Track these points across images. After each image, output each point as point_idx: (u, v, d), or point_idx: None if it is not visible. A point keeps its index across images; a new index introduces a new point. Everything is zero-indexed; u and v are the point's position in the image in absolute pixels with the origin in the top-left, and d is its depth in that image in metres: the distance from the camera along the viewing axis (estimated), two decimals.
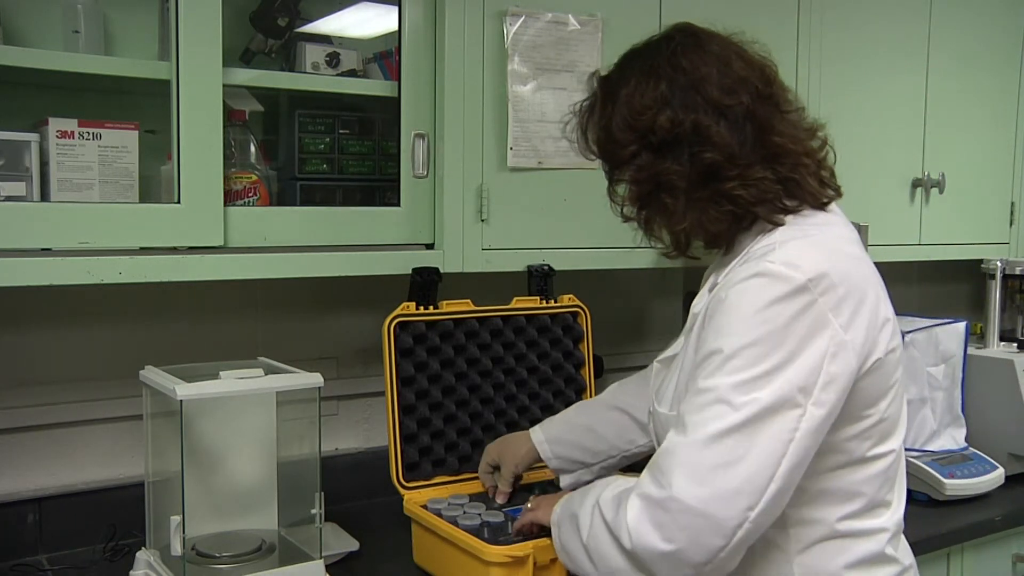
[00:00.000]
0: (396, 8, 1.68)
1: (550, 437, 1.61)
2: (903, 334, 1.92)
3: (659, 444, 1.34)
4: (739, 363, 1.12)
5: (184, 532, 1.36)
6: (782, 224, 1.24)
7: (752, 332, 1.13)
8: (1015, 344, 2.28)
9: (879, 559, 1.25)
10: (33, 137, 1.42)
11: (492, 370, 1.77)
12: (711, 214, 1.26)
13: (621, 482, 1.24)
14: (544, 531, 1.39)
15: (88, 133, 1.45)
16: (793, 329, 1.12)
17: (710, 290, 1.30)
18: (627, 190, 1.33)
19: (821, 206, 1.28)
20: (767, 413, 1.11)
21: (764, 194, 1.24)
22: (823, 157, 1.31)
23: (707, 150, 1.23)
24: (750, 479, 1.10)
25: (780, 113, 1.28)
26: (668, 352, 1.40)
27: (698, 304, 1.32)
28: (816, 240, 1.21)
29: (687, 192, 1.26)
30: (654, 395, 1.36)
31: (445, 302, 1.71)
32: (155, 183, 1.58)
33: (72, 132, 1.44)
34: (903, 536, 1.32)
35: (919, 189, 2.35)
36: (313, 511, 1.45)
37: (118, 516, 1.67)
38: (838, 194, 1.32)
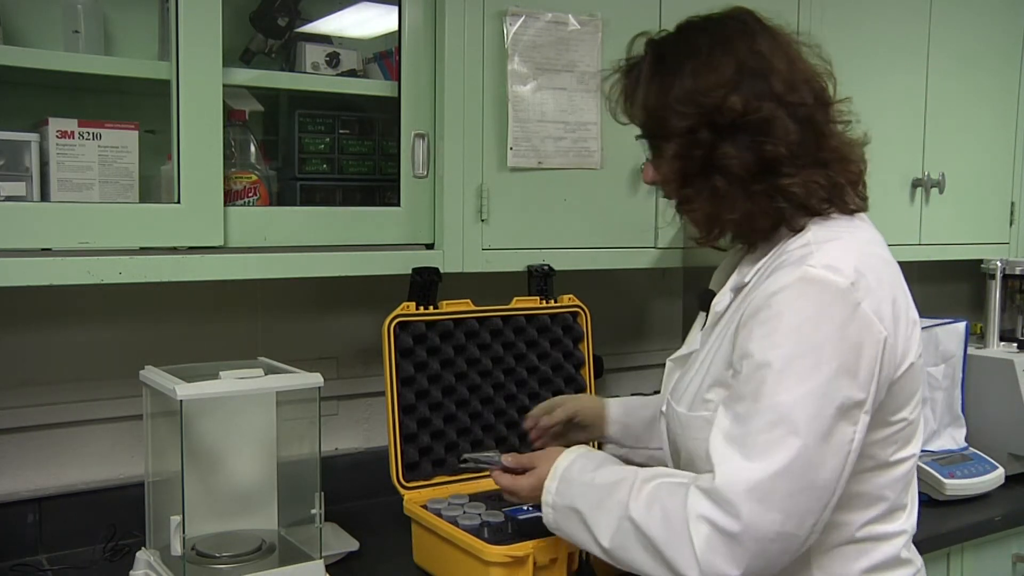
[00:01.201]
0: (396, 8, 1.68)
1: (624, 404, 1.58)
2: None
3: (670, 442, 1.33)
4: (794, 377, 1.10)
5: (184, 532, 1.36)
6: (804, 228, 1.23)
7: (803, 343, 1.11)
8: (1015, 344, 2.28)
9: (896, 562, 1.26)
10: (33, 137, 1.42)
11: (492, 370, 1.77)
12: (763, 207, 1.23)
13: (646, 490, 1.19)
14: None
15: (88, 133, 1.45)
16: (844, 336, 1.12)
17: (734, 288, 1.28)
18: (671, 164, 1.27)
19: (850, 213, 1.27)
20: (830, 429, 1.10)
21: (814, 195, 1.23)
22: (863, 169, 1.30)
23: (770, 142, 1.20)
24: (819, 498, 1.11)
25: (832, 121, 1.27)
26: (682, 351, 1.39)
27: (721, 302, 1.30)
28: (848, 242, 1.20)
29: (744, 182, 1.22)
30: (669, 394, 1.35)
31: (445, 302, 1.71)
32: (155, 183, 1.58)
33: (72, 132, 1.44)
34: None
35: (919, 189, 2.35)
36: (313, 511, 1.45)
37: (118, 516, 1.67)
38: (866, 207, 1.31)
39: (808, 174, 1.22)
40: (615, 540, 1.20)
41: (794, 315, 1.13)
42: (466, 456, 1.51)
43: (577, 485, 1.28)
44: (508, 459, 1.44)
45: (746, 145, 1.21)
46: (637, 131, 1.35)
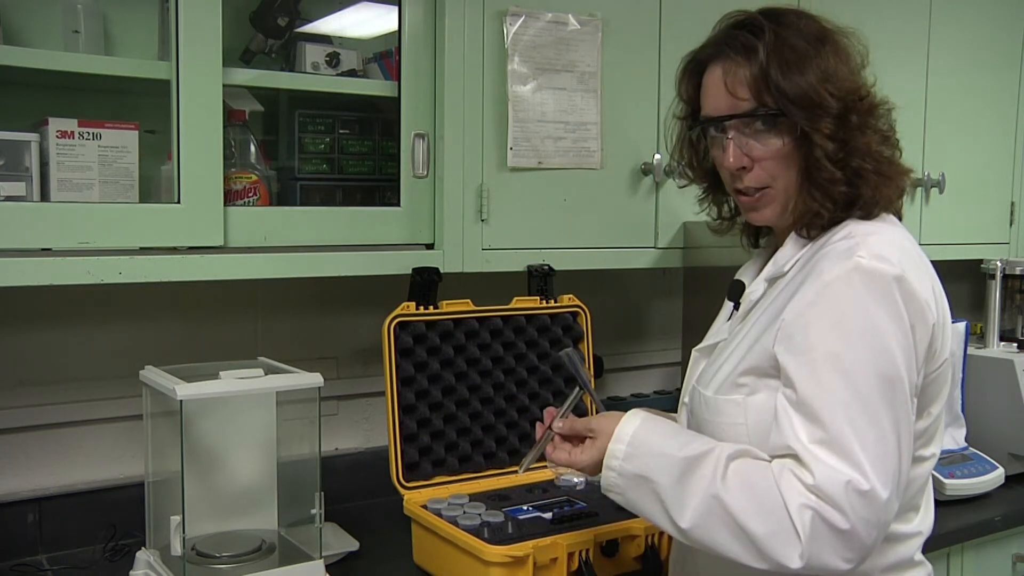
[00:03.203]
0: (396, 8, 1.68)
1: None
2: None
3: (690, 427, 1.31)
4: (865, 366, 1.11)
5: (184, 532, 1.36)
6: (844, 221, 1.25)
7: (867, 332, 1.12)
8: (1015, 344, 2.28)
9: (909, 564, 1.27)
10: (33, 137, 1.42)
11: (492, 370, 1.77)
12: (888, 194, 1.25)
13: (733, 468, 1.14)
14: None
15: (88, 133, 1.45)
16: (902, 322, 1.13)
17: (769, 278, 1.28)
18: (813, 144, 1.21)
19: (894, 213, 1.30)
20: (903, 414, 1.13)
21: (903, 188, 1.28)
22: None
23: (886, 132, 1.26)
24: (901, 484, 1.13)
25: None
26: (708, 341, 1.38)
27: (755, 292, 1.30)
28: (888, 236, 1.21)
29: (883, 166, 1.24)
30: (695, 381, 1.33)
31: (445, 302, 1.71)
32: (155, 183, 1.58)
33: (72, 132, 1.44)
34: None
35: (919, 189, 2.35)
36: (313, 511, 1.45)
37: (118, 516, 1.67)
38: (901, 215, 1.33)
39: (900, 165, 1.28)
40: (696, 519, 1.14)
41: (851, 306, 1.13)
42: (565, 352, 1.37)
43: (653, 455, 1.20)
44: (561, 425, 1.31)
45: (879, 132, 1.25)
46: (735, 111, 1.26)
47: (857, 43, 1.27)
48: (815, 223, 1.25)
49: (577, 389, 1.36)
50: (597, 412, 1.39)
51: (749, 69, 1.22)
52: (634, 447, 1.22)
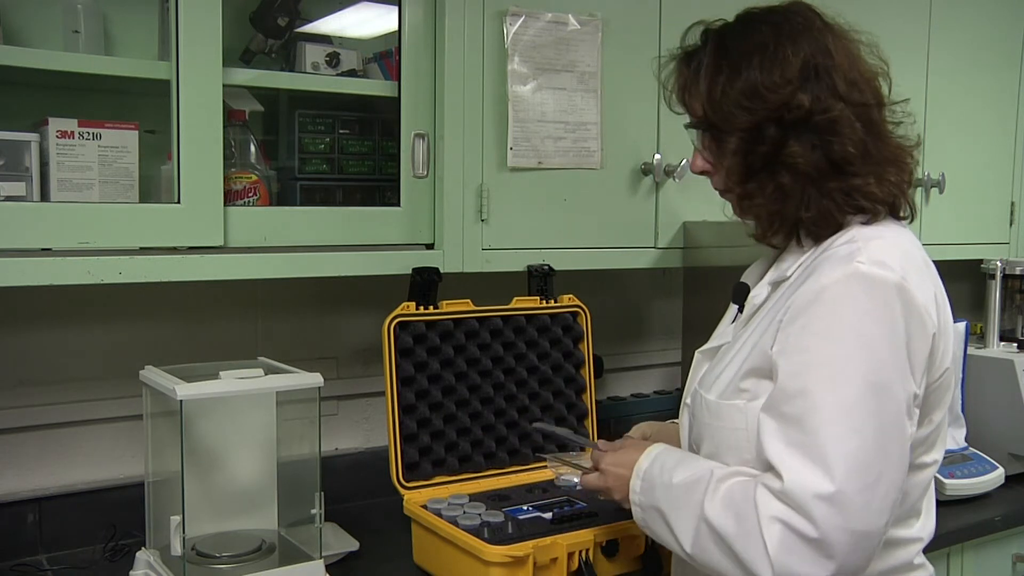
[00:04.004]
0: (396, 8, 1.68)
1: None
2: None
3: (692, 434, 1.32)
4: (852, 372, 1.10)
5: (184, 532, 1.36)
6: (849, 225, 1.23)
7: (859, 338, 1.11)
8: (1015, 344, 2.28)
9: (909, 567, 1.28)
10: (33, 137, 1.42)
11: (492, 370, 1.77)
12: (841, 205, 1.22)
13: (721, 490, 1.17)
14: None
15: (88, 133, 1.45)
16: (897, 330, 1.12)
17: (772, 282, 1.28)
18: (733, 158, 1.25)
19: (899, 218, 1.28)
20: (892, 424, 1.11)
21: (889, 194, 1.23)
22: (913, 171, 1.29)
23: (837, 141, 1.20)
24: (887, 494, 1.10)
25: (888, 122, 1.27)
26: (711, 343, 1.38)
27: (759, 295, 1.29)
28: (892, 241, 1.20)
29: (815, 180, 1.21)
30: (697, 384, 1.33)
31: (445, 302, 1.71)
32: (155, 183, 1.58)
33: (72, 132, 1.44)
34: None
35: (919, 189, 2.35)
36: (313, 511, 1.45)
37: (118, 516, 1.67)
38: (914, 215, 1.31)
39: (879, 173, 1.22)
40: (694, 541, 1.17)
41: (847, 311, 1.13)
42: (545, 456, 1.51)
43: (658, 485, 1.26)
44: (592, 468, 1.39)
45: (813, 143, 1.20)
46: (684, 120, 1.32)
47: (836, 42, 1.24)
48: (768, 243, 1.28)
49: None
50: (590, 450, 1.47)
51: (679, 82, 1.29)
52: (646, 480, 1.27)
